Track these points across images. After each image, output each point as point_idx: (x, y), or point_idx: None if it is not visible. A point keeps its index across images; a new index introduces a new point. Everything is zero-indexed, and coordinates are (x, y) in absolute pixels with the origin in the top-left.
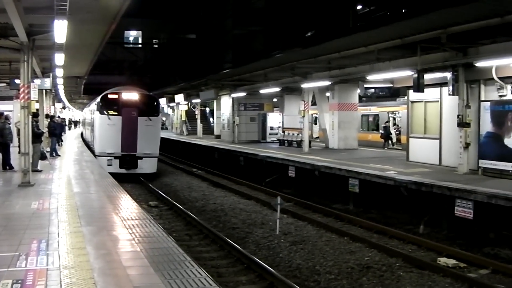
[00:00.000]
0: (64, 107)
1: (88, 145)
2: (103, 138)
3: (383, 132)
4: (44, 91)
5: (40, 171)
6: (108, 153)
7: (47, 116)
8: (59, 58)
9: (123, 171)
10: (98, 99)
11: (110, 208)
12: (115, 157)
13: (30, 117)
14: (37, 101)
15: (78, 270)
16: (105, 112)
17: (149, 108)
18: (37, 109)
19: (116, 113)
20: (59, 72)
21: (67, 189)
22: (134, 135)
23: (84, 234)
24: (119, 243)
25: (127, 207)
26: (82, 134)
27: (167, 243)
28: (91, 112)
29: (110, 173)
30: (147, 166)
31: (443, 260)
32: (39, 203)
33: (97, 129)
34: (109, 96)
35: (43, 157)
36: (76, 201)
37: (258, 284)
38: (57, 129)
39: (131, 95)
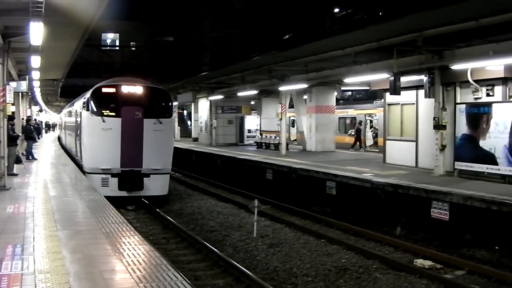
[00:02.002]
0: (40, 110)
1: (71, 156)
2: (95, 149)
3: (354, 133)
4: (20, 94)
5: (16, 174)
6: (102, 169)
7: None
8: (35, 61)
9: (124, 193)
10: (88, 94)
11: (86, 212)
12: (113, 175)
13: (6, 120)
14: (13, 104)
15: (53, 275)
16: (97, 112)
17: (159, 107)
18: (12, 112)
19: (113, 114)
20: (36, 74)
21: (43, 193)
22: (138, 143)
23: (60, 238)
24: (95, 247)
25: (104, 210)
26: (59, 138)
27: (143, 246)
28: (74, 112)
29: (107, 197)
30: (156, 186)
31: (419, 262)
32: (15, 207)
33: (87, 136)
34: (104, 90)
35: (18, 161)
36: (52, 205)
37: (235, 287)
38: (33, 132)
39: (134, 89)
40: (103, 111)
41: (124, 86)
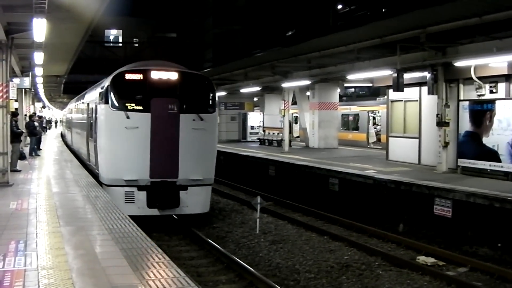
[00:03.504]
0: (44, 107)
1: (79, 158)
2: (116, 154)
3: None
4: (23, 90)
5: (19, 171)
6: (126, 180)
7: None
8: (38, 57)
9: (154, 212)
10: (106, 81)
11: (89, 208)
12: (140, 188)
13: (9, 116)
14: (16, 101)
15: (56, 271)
16: (119, 105)
17: (200, 98)
18: (16, 109)
19: (140, 108)
20: (39, 71)
21: (46, 189)
22: (173, 146)
23: (63, 234)
24: (97, 243)
25: (106, 207)
26: (62, 135)
27: (146, 242)
28: (86, 107)
29: (132, 216)
30: (195, 201)
31: (422, 259)
32: (18, 203)
33: (105, 137)
34: (128, 76)
35: (22, 157)
36: (55, 201)
37: (238, 283)
38: (36, 128)
39: (167, 75)
40: (126, 104)
41: (154, 72)
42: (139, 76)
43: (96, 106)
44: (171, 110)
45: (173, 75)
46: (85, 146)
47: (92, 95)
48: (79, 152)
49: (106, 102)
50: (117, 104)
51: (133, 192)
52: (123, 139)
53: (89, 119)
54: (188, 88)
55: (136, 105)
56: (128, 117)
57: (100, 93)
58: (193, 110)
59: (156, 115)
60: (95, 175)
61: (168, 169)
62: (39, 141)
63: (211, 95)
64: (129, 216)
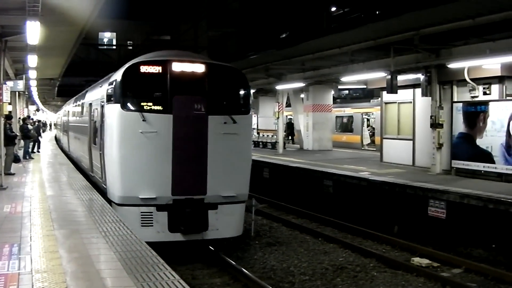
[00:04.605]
0: (37, 110)
1: (79, 167)
2: (129, 165)
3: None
4: (17, 93)
5: (13, 174)
6: (143, 198)
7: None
8: (32, 60)
9: (178, 237)
10: (117, 75)
11: (83, 211)
12: (160, 208)
13: (2, 119)
14: (9, 104)
15: (50, 274)
16: (133, 105)
17: (231, 96)
18: (9, 112)
19: (159, 108)
20: (32, 74)
21: (40, 192)
22: (200, 156)
23: (57, 237)
24: (92, 246)
25: (101, 209)
26: (56, 139)
27: (140, 245)
28: (88, 107)
29: (149, 243)
30: (226, 223)
31: (416, 260)
32: (12, 207)
33: (115, 144)
34: (144, 68)
35: (16, 160)
36: (49, 204)
37: (233, 286)
38: (30, 131)
39: (192, 67)
40: (142, 104)
41: (176, 63)
42: (157, 69)
43: (102, 107)
44: (197, 111)
45: (199, 67)
46: (86, 154)
47: (96, 94)
48: (78, 160)
49: (117, 102)
50: (130, 104)
51: (151, 212)
52: (138, 147)
53: (92, 122)
54: (218, 84)
55: (154, 105)
56: (144, 120)
57: (108, 90)
58: (223, 110)
59: (179, 116)
60: (101, 190)
61: (194, 184)
62: (38, 143)
63: (245, 91)
64: (147, 242)
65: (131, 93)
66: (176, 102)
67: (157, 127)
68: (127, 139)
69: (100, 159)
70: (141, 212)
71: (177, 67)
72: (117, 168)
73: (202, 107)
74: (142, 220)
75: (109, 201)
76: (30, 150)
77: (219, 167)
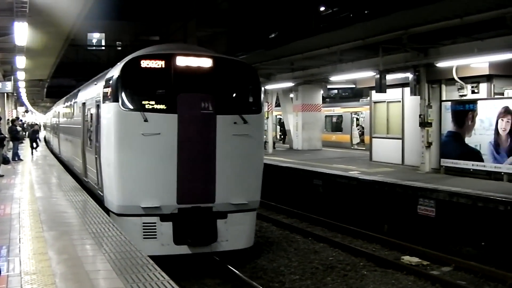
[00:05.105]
0: (26, 111)
1: (71, 171)
2: (130, 171)
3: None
4: (5, 94)
5: (2, 176)
6: (145, 207)
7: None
8: (20, 61)
9: (184, 250)
10: (115, 71)
11: (72, 213)
12: (164, 218)
13: None
14: None
15: (39, 276)
16: (134, 103)
17: (241, 94)
18: None
19: (162, 107)
20: (21, 75)
21: (30, 194)
22: (207, 160)
23: (46, 239)
24: (81, 248)
25: (90, 211)
26: (45, 139)
27: (130, 246)
28: (81, 107)
29: (152, 257)
30: (237, 233)
31: (406, 259)
32: (1, 209)
33: (114, 148)
34: (145, 62)
35: (5, 161)
36: (39, 206)
37: (223, 286)
38: (19, 133)
39: (198, 62)
40: (144, 103)
41: (181, 57)
42: (160, 63)
43: (98, 106)
44: (204, 110)
45: (206, 62)
46: (79, 158)
47: (91, 92)
48: (70, 164)
49: (115, 100)
50: (130, 102)
51: (155, 223)
52: (139, 151)
53: (86, 123)
54: (227, 80)
55: (156, 104)
56: (146, 120)
57: (105, 88)
58: (233, 109)
59: (185, 116)
60: (97, 197)
61: (202, 191)
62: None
63: (256, 88)
64: (150, 256)
65: (131, 90)
66: (181, 100)
67: (160, 128)
68: (127, 142)
69: (96, 163)
70: (143, 223)
71: (182, 61)
72: (116, 174)
73: (210, 105)
74: (144, 232)
75: (107, 210)
76: (31, 151)
77: (229, 172)
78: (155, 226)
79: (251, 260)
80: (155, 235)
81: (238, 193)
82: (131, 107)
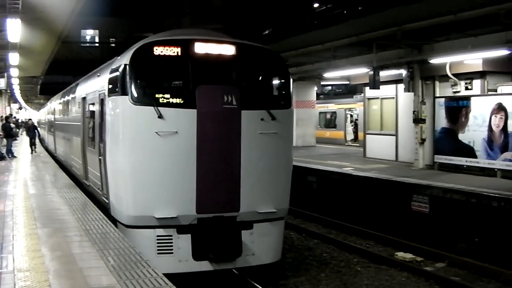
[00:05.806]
0: (20, 108)
1: (70, 173)
2: (142, 176)
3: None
4: None
5: None
6: (159, 218)
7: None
8: (14, 58)
9: (205, 266)
10: (123, 59)
11: (66, 210)
12: (181, 229)
13: None
14: None
15: (33, 273)
16: (145, 97)
17: (269, 86)
18: None
19: (178, 101)
20: (14, 72)
21: (23, 191)
22: (231, 162)
23: (40, 236)
24: (75, 245)
25: (84, 208)
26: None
27: (123, 243)
28: (81, 102)
29: (168, 275)
30: (264, 245)
31: (400, 255)
32: None
33: (122, 148)
34: (158, 49)
35: (1, 158)
36: (32, 203)
37: (216, 282)
38: (12, 129)
39: (219, 49)
40: (157, 96)
41: (199, 44)
42: (176, 50)
43: (102, 101)
44: (227, 104)
45: (228, 49)
46: (79, 158)
47: (93, 85)
48: (68, 164)
49: (124, 93)
50: (141, 96)
51: (171, 236)
52: (153, 152)
53: (87, 120)
54: (252, 70)
55: (172, 97)
56: (160, 116)
57: (111, 79)
58: (260, 104)
59: (205, 112)
60: (101, 204)
61: (225, 198)
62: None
63: (286, 80)
64: (165, 275)
65: (142, 81)
66: (200, 93)
67: (177, 126)
68: (139, 142)
69: (100, 166)
70: (158, 236)
71: (201, 48)
72: (126, 179)
73: (233, 99)
74: (159, 246)
75: (113, 220)
76: (31, 149)
77: (255, 176)
78: (171, 239)
79: None
80: (171, 250)
81: (265, 200)
82: (142, 101)
